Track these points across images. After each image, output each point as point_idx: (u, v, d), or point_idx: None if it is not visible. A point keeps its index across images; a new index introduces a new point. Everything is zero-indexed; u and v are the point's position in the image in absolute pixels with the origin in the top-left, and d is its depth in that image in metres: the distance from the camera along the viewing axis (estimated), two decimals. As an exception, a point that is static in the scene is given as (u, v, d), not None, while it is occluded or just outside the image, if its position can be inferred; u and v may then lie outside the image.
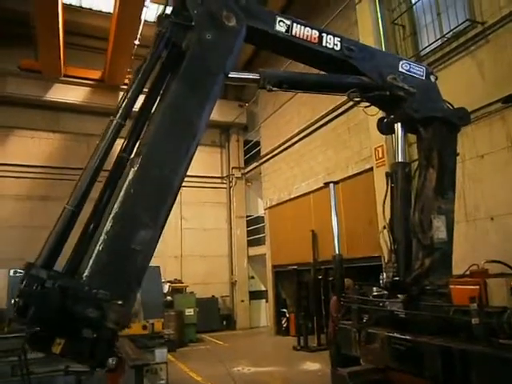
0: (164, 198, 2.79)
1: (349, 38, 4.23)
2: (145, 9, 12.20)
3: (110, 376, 2.55)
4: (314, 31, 3.86)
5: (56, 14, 11.88)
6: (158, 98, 3.05)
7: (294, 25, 3.74)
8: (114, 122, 2.79)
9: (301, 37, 3.77)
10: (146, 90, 3.05)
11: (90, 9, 15.06)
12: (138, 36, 13.24)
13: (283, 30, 3.67)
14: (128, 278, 2.55)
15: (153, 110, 3.02)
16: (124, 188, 2.64)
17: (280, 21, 3.66)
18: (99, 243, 2.51)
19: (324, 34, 3.91)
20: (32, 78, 14.70)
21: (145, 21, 12.82)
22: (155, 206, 2.73)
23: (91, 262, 2.47)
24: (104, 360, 2.35)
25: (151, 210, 2.70)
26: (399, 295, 4.20)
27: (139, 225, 2.62)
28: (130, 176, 2.67)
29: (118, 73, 14.99)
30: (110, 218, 2.56)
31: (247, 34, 3.39)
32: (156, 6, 14.04)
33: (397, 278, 4.06)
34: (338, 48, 3.96)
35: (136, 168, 2.68)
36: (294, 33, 3.73)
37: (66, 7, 12.92)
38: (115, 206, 2.59)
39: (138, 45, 13.56)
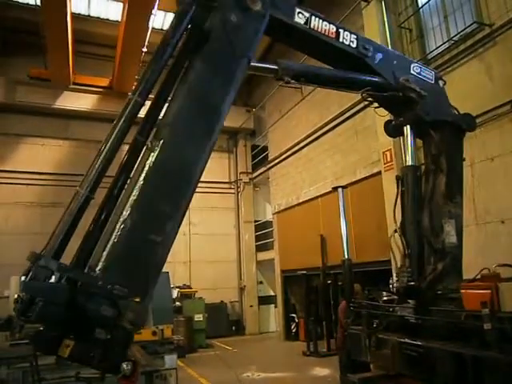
0: (186, 185, 2.58)
1: (364, 37, 4.18)
2: (152, 16, 12.30)
3: (123, 383, 2.16)
4: (332, 26, 3.78)
5: (65, 23, 12.05)
6: (178, 79, 2.85)
7: (313, 18, 3.64)
8: (133, 100, 2.56)
9: (319, 30, 3.68)
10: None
11: (99, 17, 15.24)
12: (146, 43, 13.35)
13: (302, 21, 3.57)
14: (147, 273, 2.34)
15: (172, 91, 2.81)
16: (143, 174, 2.43)
17: (299, 12, 3.55)
18: (115, 234, 2.28)
19: (341, 30, 3.85)
20: (41, 87, 14.89)
21: (152, 28, 12.93)
22: (177, 194, 2.52)
23: (106, 254, 2.25)
24: (118, 365, 2.12)
25: (172, 197, 2.49)
26: (410, 300, 4.16)
27: (159, 213, 2.41)
28: (150, 160, 2.45)
29: (126, 80, 15.11)
30: (127, 207, 2.35)
31: (269, 24, 3.26)
32: (163, 13, 14.20)
33: (412, 283, 4.02)
34: (354, 45, 3.91)
35: (156, 152, 2.47)
36: (312, 25, 3.63)
37: (75, 16, 13.09)
38: (133, 193, 2.38)
39: (145, 52, 13.67)
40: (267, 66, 3.69)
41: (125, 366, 2.11)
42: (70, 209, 2.38)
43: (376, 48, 4.15)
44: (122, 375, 2.11)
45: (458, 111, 4.46)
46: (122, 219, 2.31)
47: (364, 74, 4.04)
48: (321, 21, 3.69)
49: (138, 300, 2.19)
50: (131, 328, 2.16)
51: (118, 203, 2.47)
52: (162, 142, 2.51)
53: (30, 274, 2.12)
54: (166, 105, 2.77)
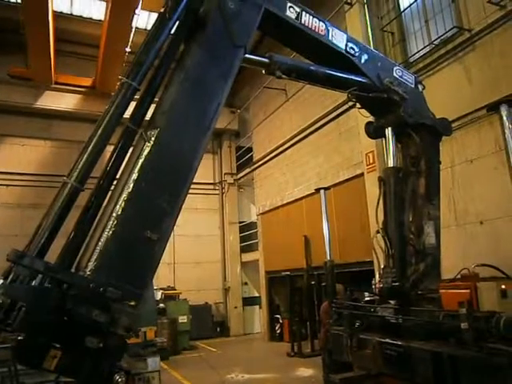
0: (184, 178, 2.46)
1: (352, 37, 4.18)
2: (136, 16, 12.19)
3: None
4: (322, 23, 3.77)
5: (46, 21, 11.87)
6: (173, 64, 2.75)
7: (304, 13, 3.61)
8: (126, 84, 2.39)
9: (309, 26, 3.65)
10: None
11: (81, 16, 15.02)
12: (129, 43, 13.24)
13: (293, 16, 3.53)
14: (142, 274, 2.13)
15: (167, 77, 2.69)
16: (138, 166, 2.24)
17: (290, 7, 3.51)
18: (107, 230, 2.08)
19: (330, 28, 3.84)
20: (23, 86, 14.62)
21: (136, 28, 12.83)
22: (174, 188, 2.38)
23: (97, 252, 2.03)
24: (110, 377, 1.90)
25: (169, 191, 2.34)
26: (391, 301, 4.22)
27: (155, 208, 2.23)
28: (146, 151, 2.28)
29: (109, 80, 14.94)
30: (120, 201, 2.15)
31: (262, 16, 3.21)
32: (147, 13, 14.10)
33: (396, 284, 4.06)
34: (342, 44, 3.91)
35: (152, 142, 2.30)
36: (303, 21, 3.60)
37: (57, 15, 12.90)
38: (127, 186, 2.19)
39: (129, 52, 13.56)
40: (259, 58, 3.61)
41: (118, 377, 1.89)
42: (57, 202, 2.15)
43: (362, 48, 4.17)
44: None
45: (434, 115, 4.55)
46: (114, 214, 2.11)
47: (352, 74, 4.04)
48: (311, 17, 3.67)
49: (133, 304, 1.99)
50: (126, 335, 1.96)
51: (109, 196, 2.28)
52: (158, 131, 2.35)
53: (12, 275, 1.88)
54: (161, 91, 2.64)
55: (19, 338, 1.80)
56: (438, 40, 8.30)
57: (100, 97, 15.52)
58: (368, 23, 9.76)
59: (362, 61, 4.08)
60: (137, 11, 11.98)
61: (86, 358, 1.84)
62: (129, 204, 2.12)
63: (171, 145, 2.36)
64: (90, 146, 2.24)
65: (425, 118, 4.39)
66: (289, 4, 3.50)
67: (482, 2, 7.32)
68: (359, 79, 4.07)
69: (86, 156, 2.22)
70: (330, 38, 3.82)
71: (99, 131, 2.27)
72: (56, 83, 15.15)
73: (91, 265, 2.00)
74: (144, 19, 14.37)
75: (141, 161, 2.24)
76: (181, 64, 2.70)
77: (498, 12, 7.10)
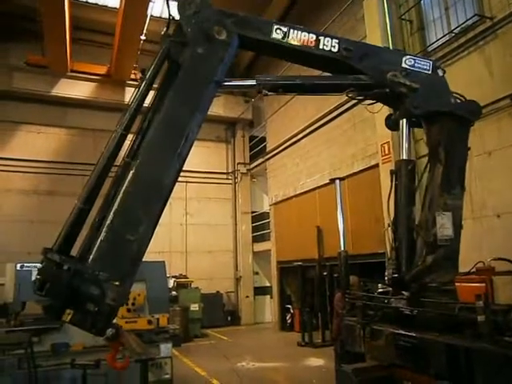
0: (155, 196, 3.16)
1: (347, 39, 4.27)
2: (151, 4, 12.18)
3: (110, 344, 2.92)
4: (311, 35, 3.96)
5: (63, 9, 11.92)
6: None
7: (291, 31, 3.88)
8: (117, 132, 3.22)
9: (297, 41, 3.91)
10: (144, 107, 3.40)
11: (97, 4, 15.07)
12: (144, 31, 13.24)
13: (280, 37, 3.84)
14: (124, 263, 2.95)
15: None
16: (124, 187, 3.06)
17: (277, 28, 3.85)
18: (102, 234, 2.94)
19: (321, 37, 3.99)
20: (39, 73, 14.77)
21: (151, 16, 12.82)
22: (148, 203, 3.11)
23: (95, 249, 2.91)
24: (103, 329, 2.76)
25: (144, 205, 3.08)
26: (404, 292, 4.18)
27: (134, 219, 3.02)
28: (129, 177, 3.08)
29: (124, 68, 15.01)
30: (111, 213, 2.99)
31: (245, 43, 3.69)
32: (162, 1, 14.07)
33: (396, 275, 4.05)
34: (335, 49, 4.03)
35: (133, 171, 3.09)
36: (290, 38, 3.88)
37: (73, 2, 12.92)
38: (116, 203, 3.02)
39: (144, 40, 13.57)
40: (245, 83, 4.14)
41: (109, 331, 2.76)
42: (71, 215, 3.04)
43: (360, 47, 4.23)
44: (106, 337, 2.76)
45: (464, 98, 4.40)
46: (107, 223, 2.96)
47: (346, 77, 4.13)
48: (299, 32, 3.91)
49: (117, 283, 2.81)
50: (113, 304, 2.77)
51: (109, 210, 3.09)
52: (138, 162, 3.13)
53: (43, 263, 2.80)
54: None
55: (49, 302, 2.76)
56: (459, 28, 8.11)
57: (114, 85, 15.62)
58: (386, 11, 9.56)
59: (359, 60, 4.11)
60: (152, -1, 11.97)
61: (88, 316, 2.74)
62: (115, 215, 2.98)
63: (146, 172, 3.15)
64: (92, 178, 3.16)
65: (441, 105, 4.27)
66: (276, 26, 3.83)
67: (505, -12, 7.12)
68: (353, 81, 4.10)
69: (89, 184, 3.16)
70: (320, 47, 3.99)
71: (96, 173, 3.16)
72: (72, 71, 15.27)
73: (91, 257, 2.89)
74: (159, 7, 14.35)
75: (126, 184, 3.06)
76: (160, 107, 3.33)
77: (521, -1, 6.91)
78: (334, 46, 4.01)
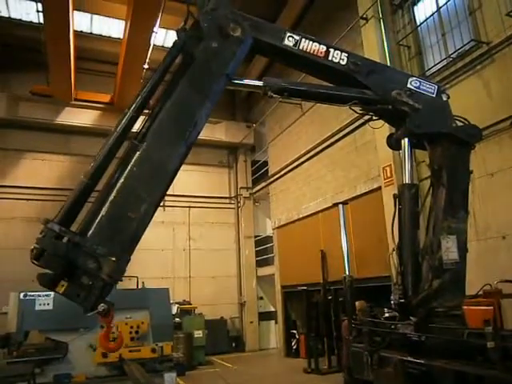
0: (159, 177, 3.23)
1: (357, 54, 4.41)
2: (154, 34, 12.46)
3: (102, 319, 2.91)
4: (322, 46, 4.13)
5: (67, 40, 12.20)
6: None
7: (303, 40, 4.05)
8: (128, 114, 3.30)
9: (307, 51, 4.06)
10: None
11: (100, 35, 15.44)
12: (147, 60, 13.49)
13: (291, 44, 4.01)
14: (122, 240, 2.96)
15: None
16: (129, 167, 3.12)
17: (289, 36, 4.02)
18: (104, 209, 2.97)
19: (331, 49, 4.16)
20: (43, 102, 15.02)
21: (154, 45, 13.09)
22: (151, 184, 3.17)
23: (95, 224, 2.93)
24: (96, 304, 2.75)
25: (148, 186, 3.13)
26: (411, 317, 4.12)
27: (136, 197, 3.06)
28: (134, 158, 3.14)
29: (127, 96, 15.20)
30: (115, 190, 3.04)
31: (257, 46, 3.86)
32: (165, 31, 14.40)
33: (402, 300, 4.01)
34: (343, 62, 4.18)
35: (139, 153, 3.16)
36: (301, 47, 4.03)
37: (77, 34, 13.25)
38: (120, 181, 3.07)
39: (146, 69, 13.81)
40: (253, 83, 4.30)
41: (101, 306, 2.74)
42: (75, 190, 3.04)
43: (367, 64, 4.38)
44: (98, 312, 2.74)
45: (468, 122, 4.45)
46: (110, 199, 2.99)
47: (351, 89, 4.26)
48: (311, 42, 4.08)
49: (113, 259, 2.80)
50: (108, 279, 2.77)
51: (111, 186, 3.12)
52: (145, 144, 3.20)
53: (43, 233, 2.78)
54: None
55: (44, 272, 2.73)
56: (456, 53, 8.26)
57: (118, 112, 15.72)
58: (384, 37, 9.78)
59: (365, 75, 4.25)
60: (155, 29, 12.24)
61: (82, 290, 2.75)
62: (118, 192, 3.02)
63: (152, 154, 3.21)
64: (100, 155, 3.18)
65: (442, 127, 4.33)
66: (288, 34, 4.01)
67: (500, 14, 7.28)
68: (357, 94, 4.21)
69: (96, 160, 3.17)
70: (330, 58, 4.14)
71: (105, 149, 3.20)
72: (76, 99, 15.51)
73: (91, 231, 2.90)
74: (162, 37, 14.70)
75: (131, 164, 3.12)
76: (171, 94, 3.43)
77: (516, 24, 7.05)
78: (343, 59, 4.18)
